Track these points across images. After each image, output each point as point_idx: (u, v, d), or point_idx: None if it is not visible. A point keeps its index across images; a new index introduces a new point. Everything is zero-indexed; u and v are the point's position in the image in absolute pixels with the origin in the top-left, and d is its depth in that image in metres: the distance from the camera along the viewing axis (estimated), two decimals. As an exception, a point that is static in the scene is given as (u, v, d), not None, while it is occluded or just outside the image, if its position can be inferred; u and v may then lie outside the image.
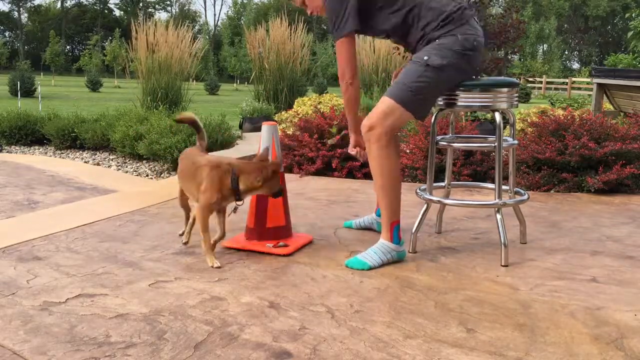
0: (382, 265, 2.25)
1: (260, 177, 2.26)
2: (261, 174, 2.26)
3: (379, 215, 2.69)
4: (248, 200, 2.45)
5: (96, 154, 5.55)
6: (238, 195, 2.28)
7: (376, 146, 2.21)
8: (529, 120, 5.29)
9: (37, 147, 6.03)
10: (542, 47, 55.07)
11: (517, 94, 2.36)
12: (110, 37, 54.00)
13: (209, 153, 2.54)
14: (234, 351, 1.54)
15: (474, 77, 2.33)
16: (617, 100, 7.55)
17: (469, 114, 5.98)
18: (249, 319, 1.75)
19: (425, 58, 2.18)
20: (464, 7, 2.24)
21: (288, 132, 4.65)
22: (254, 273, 2.16)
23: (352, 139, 2.51)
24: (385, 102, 2.22)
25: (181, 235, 2.59)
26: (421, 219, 2.43)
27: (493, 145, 2.38)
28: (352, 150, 2.54)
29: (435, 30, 2.20)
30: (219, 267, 2.21)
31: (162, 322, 1.71)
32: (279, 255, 2.36)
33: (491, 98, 2.30)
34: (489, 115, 6.06)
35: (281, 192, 2.37)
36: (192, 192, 2.38)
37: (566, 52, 62.94)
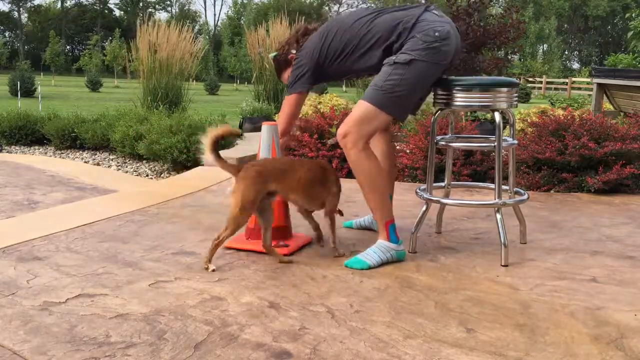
0: (382, 264, 2.25)
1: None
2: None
3: None
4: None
5: (96, 154, 5.55)
6: None
7: (353, 151, 2.22)
8: (529, 120, 5.29)
9: (37, 147, 6.03)
10: (542, 47, 55.06)
11: (516, 94, 2.36)
12: (110, 37, 53.99)
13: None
14: (234, 351, 1.54)
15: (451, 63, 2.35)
16: (617, 100, 7.55)
17: (468, 114, 5.99)
18: (249, 319, 1.75)
19: (393, 58, 2.21)
20: (409, 8, 2.28)
21: (288, 132, 4.65)
22: (254, 273, 2.16)
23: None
24: (360, 107, 2.24)
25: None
26: (421, 219, 2.43)
27: (493, 145, 2.38)
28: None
29: (394, 44, 2.24)
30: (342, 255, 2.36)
31: (162, 322, 1.71)
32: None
33: (491, 98, 2.30)
34: (489, 115, 6.06)
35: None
36: (315, 198, 2.37)
37: (566, 52, 62.92)
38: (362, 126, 2.21)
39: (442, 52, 2.21)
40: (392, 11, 2.30)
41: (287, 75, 2.54)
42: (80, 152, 5.72)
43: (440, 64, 2.24)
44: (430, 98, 2.51)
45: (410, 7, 2.29)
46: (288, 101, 2.46)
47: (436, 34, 2.19)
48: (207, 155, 2.18)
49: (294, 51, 2.48)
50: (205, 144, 2.17)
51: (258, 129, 6.50)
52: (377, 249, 2.26)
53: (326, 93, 8.04)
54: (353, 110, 2.27)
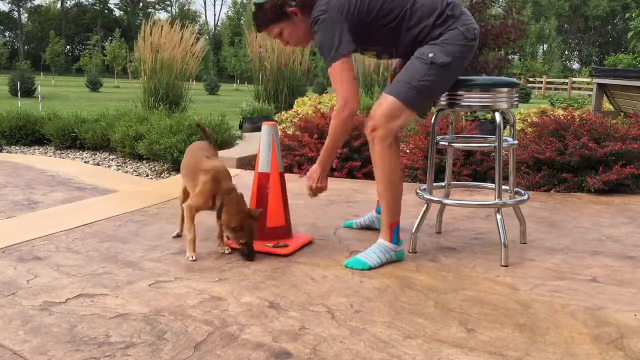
0: (382, 264, 2.25)
1: (233, 225, 2.26)
2: (235, 223, 2.26)
3: (379, 212, 2.68)
4: (249, 198, 2.45)
5: (96, 154, 5.55)
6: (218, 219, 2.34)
7: (380, 146, 2.20)
8: (529, 120, 5.29)
9: (37, 147, 6.02)
10: (542, 47, 55.06)
11: (517, 94, 2.36)
12: (110, 37, 54.00)
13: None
14: (234, 351, 1.54)
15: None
16: (617, 100, 7.55)
17: (469, 114, 5.99)
18: (249, 319, 1.75)
19: (431, 55, 2.15)
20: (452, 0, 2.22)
21: (288, 132, 4.66)
22: (254, 273, 2.16)
23: (315, 177, 2.39)
24: (389, 101, 2.19)
25: (175, 237, 2.63)
26: (421, 219, 2.43)
27: (493, 145, 2.38)
28: (308, 185, 2.42)
29: (434, 29, 2.17)
30: (194, 260, 2.28)
31: (162, 322, 1.71)
32: (279, 255, 2.36)
33: (491, 98, 2.30)
34: (489, 115, 6.06)
35: (250, 254, 2.30)
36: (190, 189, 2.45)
37: (566, 52, 62.94)
38: (391, 122, 2.18)
39: (473, 50, 2.22)
40: None
41: (276, 30, 2.30)
42: (80, 152, 5.71)
43: (467, 60, 2.23)
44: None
45: None
46: (342, 66, 2.15)
47: (475, 31, 2.19)
48: None
49: (293, 3, 2.22)
50: None
51: (258, 129, 6.49)
52: (377, 249, 2.26)
53: (326, 93, 8.04)
54: (379, 103, 2.22)
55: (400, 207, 2.28)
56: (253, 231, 2.29)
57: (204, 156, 2.39)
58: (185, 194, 2.57)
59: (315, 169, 2.42)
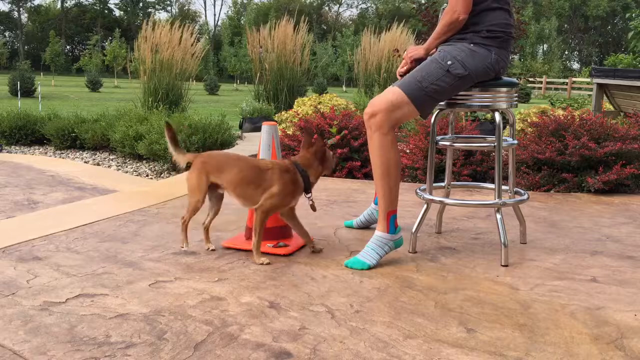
0: (381, 260, 2.25)
1: (318, 160, 2.34)
2: (316, 157, 2.33)
3: (377, 203, 2.69)
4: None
5: (96, 154, 5.55)
6: (309, 189, 2.34)
7: (377, 134, 2.22)
8: (529, 120, 5.29)
9: (37, 147, 6.03)
10: (542, 47, 55.07)
11: (516, 94, 2.37)
12: (110, 37, 53.98)
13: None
14: (234, 351, 1.54)
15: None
16: (617, 100, 7.55)
17: (468, 114, 5.98)
18: (249, 319, 1.75)
19: (449, 63, 2.19)
20: (512, 32, 2.28)
21: (288, 132, 4.66)
22: (254, 273, 2.16)
23: (414, 51, 2.35)
24: (395, 93, 2.21)
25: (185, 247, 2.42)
26: (421, 219, 2.43)
27: (493, 145, 2.38)
28: (407, 52, 2.39)
29: (477, 35, 2.22)
30: (268, 264, 2.25)
31: (162, 322, 1.71)
32: (279, 255, 2.36)
33: (491, 98, 2.30)
34: (489, 115, 6.06)
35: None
36: (249, 196, 2.29)
37: (566, 52, 62.94)
38: (392, 112, 2.20)
39: (488, 77, 2.27)
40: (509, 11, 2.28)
41: None
42: (80, 152, 5.72)
43: (479, 80, 2.28)
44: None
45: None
46: None
47: (501, 70, 2.28)
48: (170, 148, 2.42)
49: None
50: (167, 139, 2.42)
51: (258, 129, 6.50)
52: (374, 244, 2.26)
53: (326, 93, 8.05)
54: (384, 93, 2.25)
55: (397, 197, 2.29)
56: (324, 149, 2.38)
57: (248, 158, 2.36)
58: (219, 203, 2.47)
59: (419, 49, 2.37)
